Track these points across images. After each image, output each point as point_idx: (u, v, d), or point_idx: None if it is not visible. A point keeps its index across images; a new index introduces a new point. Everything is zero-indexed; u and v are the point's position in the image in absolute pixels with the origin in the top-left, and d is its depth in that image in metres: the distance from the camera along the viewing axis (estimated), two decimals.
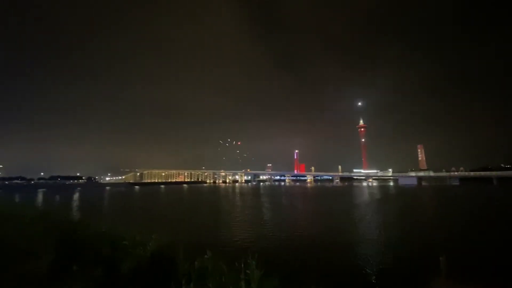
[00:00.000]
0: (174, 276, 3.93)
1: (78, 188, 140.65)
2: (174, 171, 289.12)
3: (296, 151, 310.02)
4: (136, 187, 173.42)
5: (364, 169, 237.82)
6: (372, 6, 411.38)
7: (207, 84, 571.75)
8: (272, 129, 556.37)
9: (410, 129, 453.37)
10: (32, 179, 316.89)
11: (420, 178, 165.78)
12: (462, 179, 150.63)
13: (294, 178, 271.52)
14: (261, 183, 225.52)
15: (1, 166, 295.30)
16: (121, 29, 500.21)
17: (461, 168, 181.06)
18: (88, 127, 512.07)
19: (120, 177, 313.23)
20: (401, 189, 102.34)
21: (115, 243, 5.23)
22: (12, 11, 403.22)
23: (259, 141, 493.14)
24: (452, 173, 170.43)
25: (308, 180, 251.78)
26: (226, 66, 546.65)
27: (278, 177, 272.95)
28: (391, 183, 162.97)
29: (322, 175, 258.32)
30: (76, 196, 78.53)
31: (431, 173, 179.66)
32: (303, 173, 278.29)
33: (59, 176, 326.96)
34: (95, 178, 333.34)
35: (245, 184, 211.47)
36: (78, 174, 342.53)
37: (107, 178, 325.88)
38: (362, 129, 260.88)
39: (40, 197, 71.50)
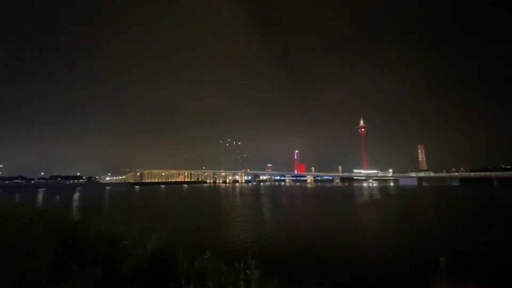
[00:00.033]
0: (174, 276, 3.93)
1: (78, 188, 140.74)
2: (174, 171, 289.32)
3: (296, 151, 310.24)
4: (136, 187, 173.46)
5: (365, 169, 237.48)
6: (372, 6, 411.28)
7: (207, 84, 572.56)
8: (272, 129, 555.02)
9: (410, 129, 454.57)
10: (33, 179, 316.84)
11: (420, 179, 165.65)
12: (463, 180, 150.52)
13: (294, 178, 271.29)
14: (261, 183, 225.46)
15: (1, 165, 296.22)
16: (121, 29, 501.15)
17: (462, 169, 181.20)
18: (88, 127, 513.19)
19: (120, 177, 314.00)
20: (401, 189, 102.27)
21: (115, 243, 5.23)
22: (12, 11, 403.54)
23: (259, 141, 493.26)
24: (452, 173, 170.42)
25: (309, 181, 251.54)
26: (226, 66, 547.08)
27: (278, 177, 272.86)
28: (392, 184, 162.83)
29: (322, 176, 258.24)
30: (76, 196, 78.57)
31: (432, 174, 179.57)
32: (303, 173, 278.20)
33: (59, 176, 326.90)
34: (95, 178, 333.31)
35: (245, 184, 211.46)
36: (78, 174, 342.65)
37: (107, 178, 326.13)
38: (363, 129, 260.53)
39: (40, 197, 71.53)
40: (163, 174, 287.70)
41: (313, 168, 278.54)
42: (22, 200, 46.80)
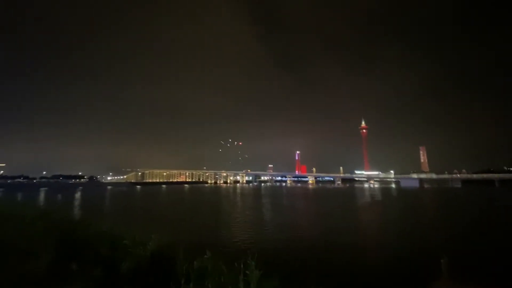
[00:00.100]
0: (174, 276, 3.93)
1: (80, 187, 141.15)
2: (175, 171, 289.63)
3: (298, 152, 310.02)
4: (138, 186, 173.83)
5: (366, 170, 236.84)
6: (372, 6, 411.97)
7: (207, 84, 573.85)
8: (273, 129, 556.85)
9: (410, 129, 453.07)
10: (35, 178, 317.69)
11: (422, 180, 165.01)
12: (464, 181, 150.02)
13: (295, 179, 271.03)
14: (263, 184, 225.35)
15: (3, 164, 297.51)
16: (121, 29, 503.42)
17: (463, 170, 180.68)
18: (88, 127, 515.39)
19: (121, 177, 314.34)
20: (403, 191, 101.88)
21: (115, 243, 5.24)
22: (12, 11, 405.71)
23: (259, 141, 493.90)
24: (454, 175, 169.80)
25: (310, 181, 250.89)
26: (226, 66, 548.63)
27: (279, 178, 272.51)
28: (393, 185, 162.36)
29: (324, 176, 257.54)
30: (77, 195, 78.83)
31: (433, 175, 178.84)
32: (305, 174, 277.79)
33: (61, 175, 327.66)
34: (96, 178, 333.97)
35: (247, 185, 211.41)
36: (80, 173, 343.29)
37: (109, 178, 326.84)
38: (364, 130, 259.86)
39: (41, 196, 71.78)
40: (165, 174, 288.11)
41: (314, 169, 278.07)
42: (23, 199, 46.98)
